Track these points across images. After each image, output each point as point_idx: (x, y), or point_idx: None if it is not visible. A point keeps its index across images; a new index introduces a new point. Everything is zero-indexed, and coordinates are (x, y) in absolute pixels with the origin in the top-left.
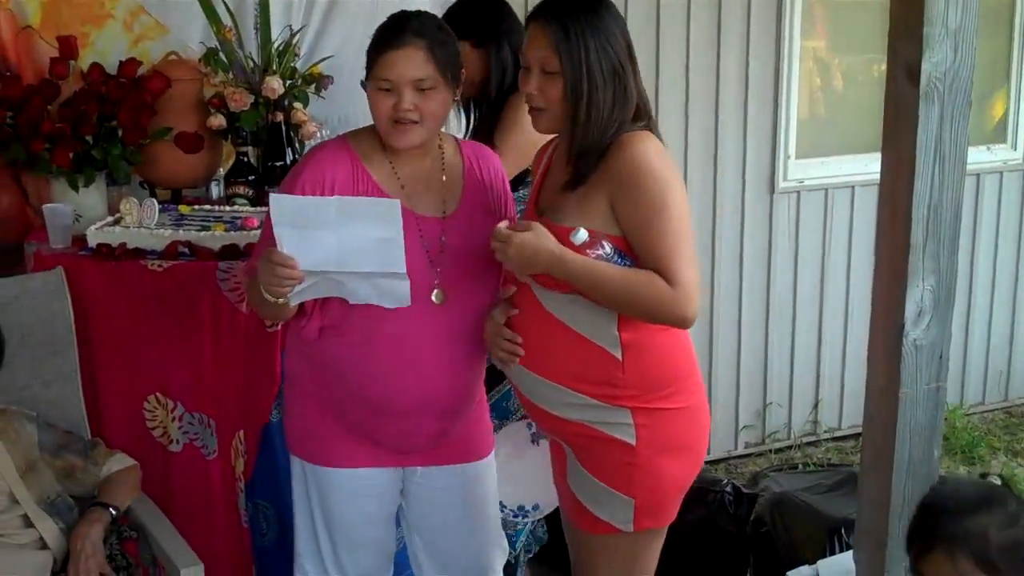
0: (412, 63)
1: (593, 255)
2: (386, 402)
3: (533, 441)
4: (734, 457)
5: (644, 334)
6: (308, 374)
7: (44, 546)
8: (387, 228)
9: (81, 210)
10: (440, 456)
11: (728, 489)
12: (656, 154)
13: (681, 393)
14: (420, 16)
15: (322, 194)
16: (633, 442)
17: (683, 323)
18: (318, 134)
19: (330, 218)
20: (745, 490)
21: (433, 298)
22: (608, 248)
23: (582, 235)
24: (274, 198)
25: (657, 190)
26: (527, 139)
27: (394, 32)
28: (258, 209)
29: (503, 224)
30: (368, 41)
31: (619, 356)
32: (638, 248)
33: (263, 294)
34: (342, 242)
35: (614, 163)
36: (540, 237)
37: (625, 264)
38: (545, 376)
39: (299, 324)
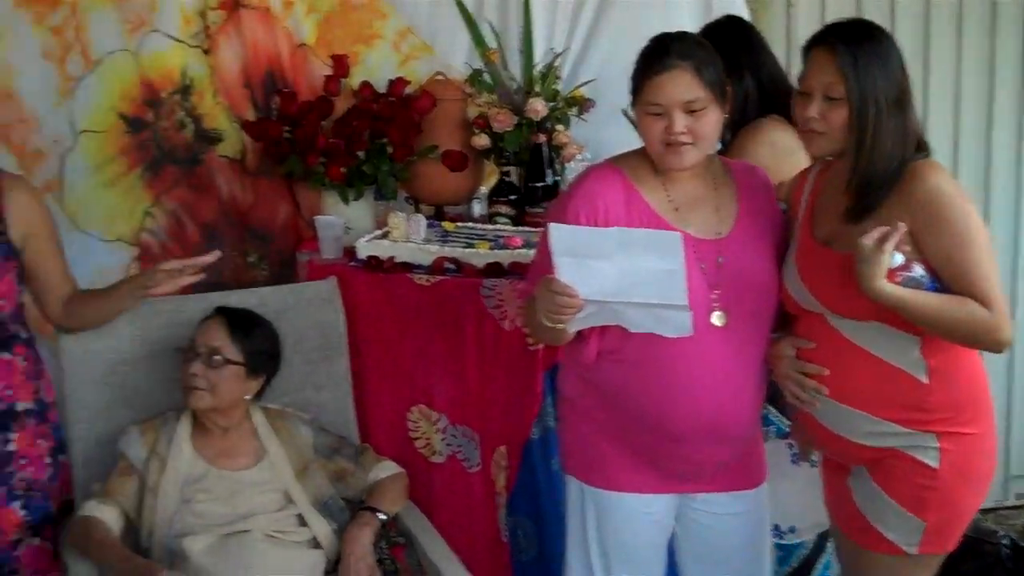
0: (680, 86)
1: (901, 277)
2: (666, 427)
3: (794, 462)
4: (1004, 508)
5: (950, 357)
6: (586, 397)
7: (317, 546)
8: (669, 261)
9: (350, 223)
10: (721, 482)
11: (1006, 543)
12: (952, 183)
13: (980, 417)
14: (683, 37)
15: (594, 219)
16: (936, 465)
17: (1000, 347)
18: (578, 156)
19: (610, 249)
20: None
21: (714, 320)
22: (920, 270)
23: (898, 259)
24: (554, 227)
25: (962, 218)
26: None
27: (659, 55)
28: (520, 229)
29: (872, 237)
30: (628, 65)
31: (926, 380)
32: (947, 274)
33: (541, 320)
34: (622, 273)
35: (911, 194)
36: None
37: (935, 287)
38: (851, 405)
39: (577, 348)
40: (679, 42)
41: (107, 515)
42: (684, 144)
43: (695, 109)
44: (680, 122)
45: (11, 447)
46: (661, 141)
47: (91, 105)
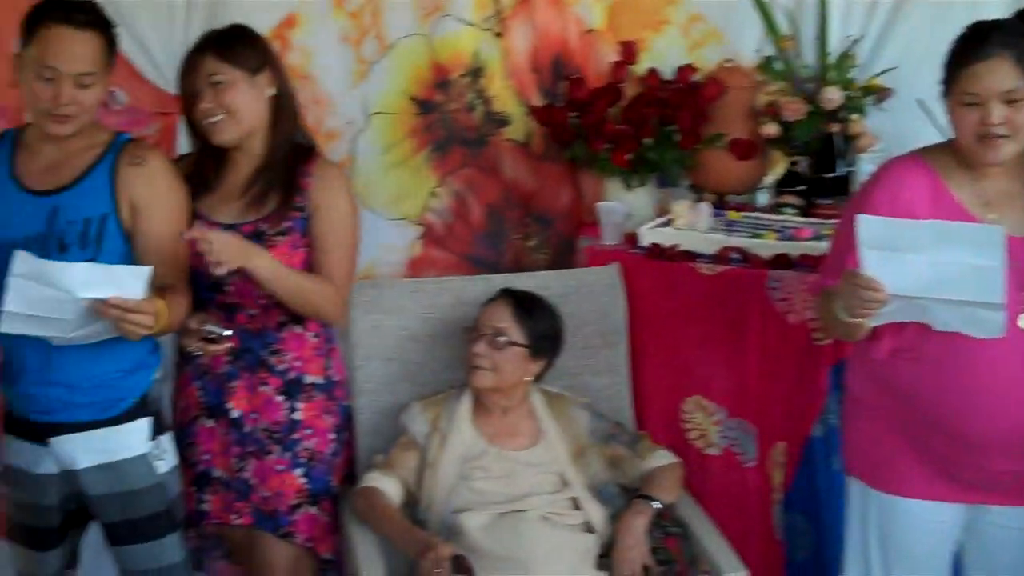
0: (999, 75)
1: None
2: (962, 432)
3: None
4: None
5: None
6: (876, 395)
7: (590, 530)
8: (987, 256)
9: (631, 209)
10: (1020, 495)
11: None
12: None
13: None
14: (1004, 25)
15: (898, 212)
16: None
17: None
18: (872, 147)
19: (924, 242)
20: None
21: (1021, 323)
22: None
23: None
24: (863, 219)
25: None
26: None
27: (977, 43)
28: (808, 220)
29: None
30: (930, 52)
31: None
32: None
33: (837, 313)
34: (935, 268)
35: None
36: None
37: None
38: None
39: (869, 344)
40: (999, 30)
41: (389, 486)
42: (1000, 137)
43: (1014, 100)
44: (997, 113)
45: (297, 416)
46: (975, 133)
47: (383, 88)
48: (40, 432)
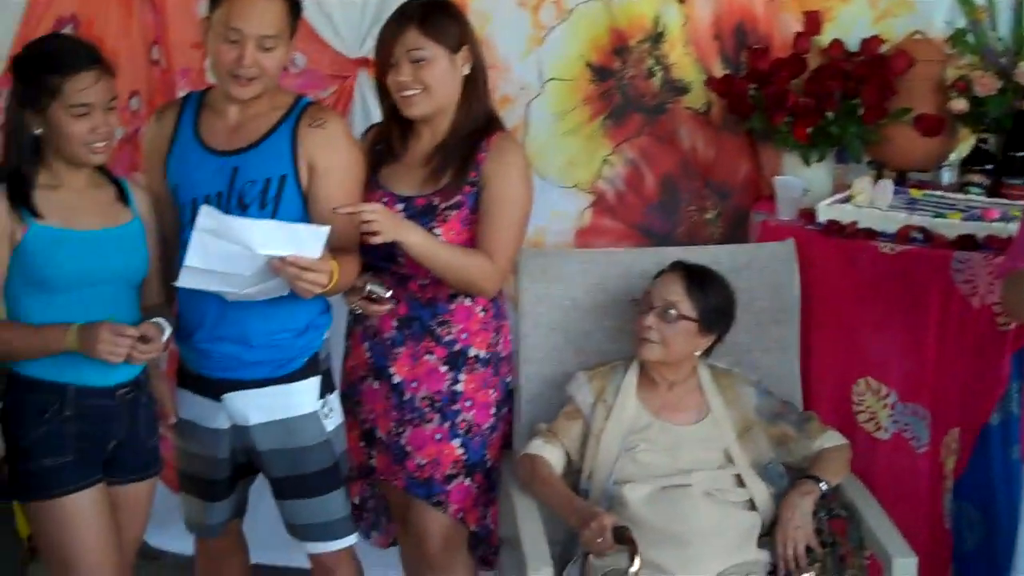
0: None
1: None
2: None
3: None
4: None
5: None
6: None
7: (753, 508)
8: None
9: (808, 184)
10: None
11: None
12: None
13: None
14: None
15: None
16: None
17: None
18: None
19: None
20: None
21: None
22: None
23: None
24: None
25: None
26: None
27: None
28: (995, 200)
29: None
30: None
31: None
32: None
33: None
34: None
35: None
36: None
37: None
38: None
39: None
40: None
41: (551, 455)
42: None
43: None
44: None
45: (459, 387)
46: None
47: (560, 53)
48: (214, 388)
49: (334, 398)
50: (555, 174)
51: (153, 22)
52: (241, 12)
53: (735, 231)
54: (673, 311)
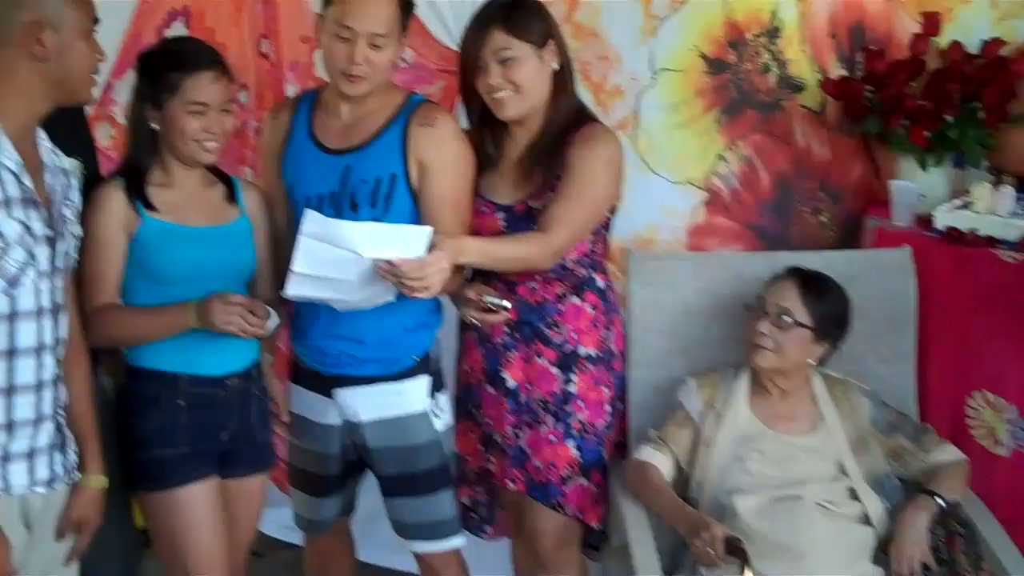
0: None
1: None
2: None
3: None
4: None
5: None
6: None
7: (867, 522)
8: None
9: (924, 189)
10: None
11: None
12: None
13: None
14: None
15: None
16: None
17: None
18: None
19: None
20: None
21: None
22: None
23: None
24: None
25: None
26: None
27: None
28: None
29: None
30: None
31: None
32: None
33: None
34: None
35: None
36: None
37: None
38: None
39: None
40: None
41: (661, 462)
42: None
43: None
44: None
45: (572, 388)
46: None
47: (673, 44)
48: (326, 384)
49: (444, 398)
50: (667, 169)
51: (263, 15)
52: (353, 10)
53: (848, 235)
54: (788, 317)
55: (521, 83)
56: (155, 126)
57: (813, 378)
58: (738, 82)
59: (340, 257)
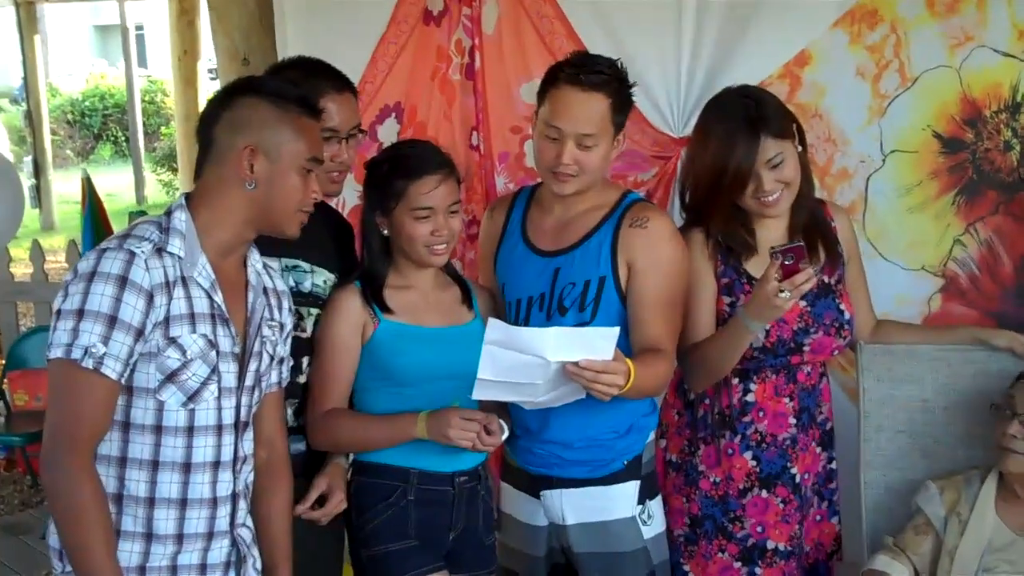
0: None
1: None
2: None
3: None
4: None
5: None
6: None
7: None
8: None
9: None
10: None
11: None
12: None
13: None
14: None
15: None
16: None
17: None
18: None
19: None
20: None
21: None
22: None
23: None
24: None
25: None
26: None
27: None
28: None
29: None
30: None
31: None
32: None
33: None
34: None
35: None
36: None
37: None
38: None
39: None
40: None
41: (898, 571)
42: None
43: None
44: None
45: (833, 465)
46: None
47: (903, 124)
48: (534, 484)
49: (655, 504)
50: (899, 255)
51: (474, 107)
52: (560, 110)
53: None
54: None
55: (790, 180)
56: (385, 232)
57: None
58: (976, 162)
59: (526, 362)
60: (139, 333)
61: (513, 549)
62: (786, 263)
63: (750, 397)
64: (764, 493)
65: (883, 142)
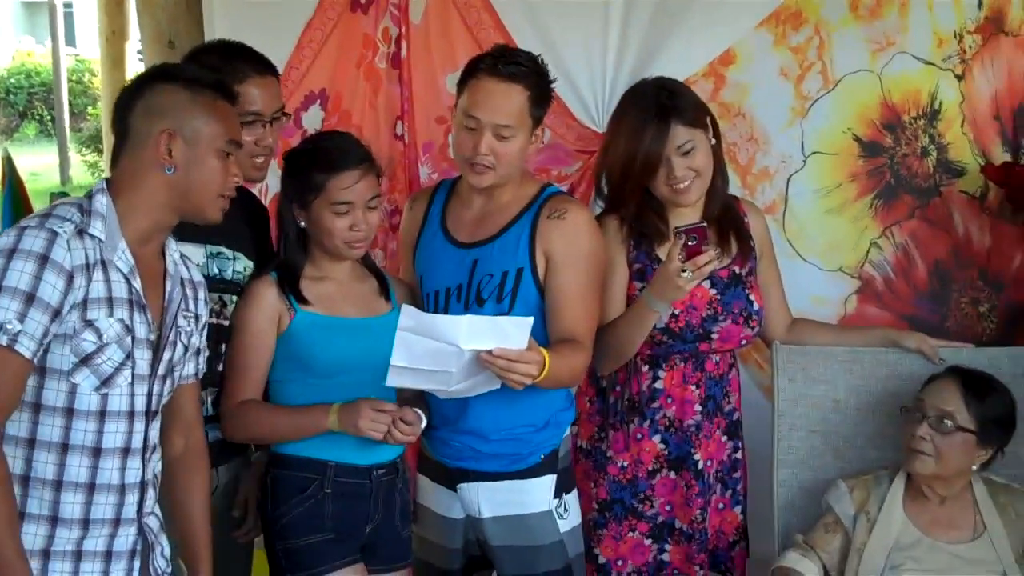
0: None
1: None
2: None
3: None
4: None
5: None
6: None
7: None
8: None
9: None
10: None
11: None
12: None
13: None
14: None
15: None
16: None
17: None
18: None
19: None
20: None
21: None
22: None
23: None
24: None
25: None
26: None
27: None
28: None
29: None
30: None
31: None
32: None
33: None
34: None
35: None
36: None
37: None
38: None
39: None
40: None
41: (808, 569)
42: None
43: None
44: None
45: (739, 455)
46: None
47: (824, 126)
48: (450, 476)
49: (571, 498)
50: (817, 256)
51: (399, 96)
52: (479, 100)
53: (1010, 328)
54: (949, 422)
55: (701, 169)
56: (303, 224)
57: (975, 484)
58: (894, 166)
59: (439, 349)
60: (56, 313)
61: (429, 541)
62: (689, 243)
63: (659, 384)
64: (672, 475)
65: (804, 143)
